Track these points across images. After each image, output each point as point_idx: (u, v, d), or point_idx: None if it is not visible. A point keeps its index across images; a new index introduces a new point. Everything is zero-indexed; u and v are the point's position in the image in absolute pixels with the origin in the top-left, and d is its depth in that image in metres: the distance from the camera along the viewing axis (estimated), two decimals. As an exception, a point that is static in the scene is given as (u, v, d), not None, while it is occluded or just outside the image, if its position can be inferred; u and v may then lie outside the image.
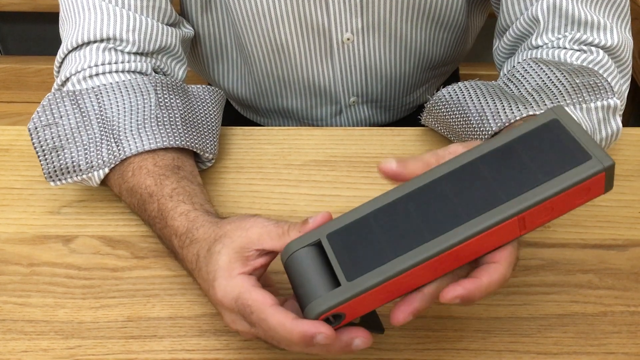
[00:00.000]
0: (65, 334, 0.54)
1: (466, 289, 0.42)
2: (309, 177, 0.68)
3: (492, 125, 0.60)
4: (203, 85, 0.71)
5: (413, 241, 0.43)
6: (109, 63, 0.65)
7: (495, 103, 0.62)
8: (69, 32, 0.67)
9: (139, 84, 0.64)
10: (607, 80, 0.62)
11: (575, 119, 0.59)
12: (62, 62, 0.68)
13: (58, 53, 0.68)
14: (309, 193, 0.66)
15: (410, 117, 0.95)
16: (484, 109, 0.62)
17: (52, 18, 1.62)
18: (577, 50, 0.66)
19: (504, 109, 0.60)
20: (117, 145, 0.60)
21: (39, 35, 1.68)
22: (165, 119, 0.62)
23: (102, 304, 0.56)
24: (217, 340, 0.54)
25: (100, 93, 0.63)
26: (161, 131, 0.61)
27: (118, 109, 0.62)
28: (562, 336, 0.54)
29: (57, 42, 0.69)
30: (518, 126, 0.46)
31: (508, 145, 0.45)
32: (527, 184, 0.42)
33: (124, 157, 0.60)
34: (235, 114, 0.97)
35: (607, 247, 0.61)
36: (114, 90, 0.63)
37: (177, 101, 0.64)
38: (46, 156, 0.61)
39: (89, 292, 0.57)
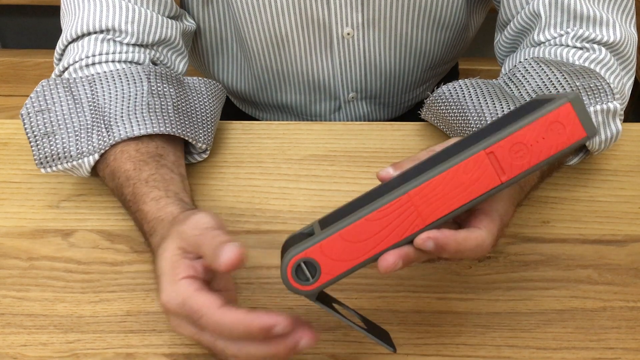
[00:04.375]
0: (65, 328, 0.54)
1: (442, 233, 0.42)
2: (309, 172, 0.68)
3: None
4: (200, 78, 0.70)
5: (385, 191, 0.43)
6: (106, 53, 0.65)
7: (494, 104, 0.62)
8: (69, 23, 0.67)
9: (132, 72, 0.64)
10: (608, 83, 0.62)
11: None
12: (62, 53, 0.68)
13: (58, 44, 0.68)
14: (309, 188, 0.66)
15: (409, 114, 0.95)
16: (482, 109, 0.62)
17: (51, 11, 1.62)
18: (580, 49, 0.65)
19: (503, 110, 0.61)
20: (107, 131, 0.60)
21: (37, 28, 1.68)
22: (157, 106, 0.62)
23: (102, 298, 0.56)
24: (217, 335, 0.54)
25: (94, 81, 0.63)
26: (152, 118, 0.60)
27: (110, 96, 0.62)
28: (561, 331, 0.54)
29: (56, 35, 0.68)
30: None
31: (491, 123, 0.46)
32: (497, 129, 0.43)
33: (114, 143, 0.59)
34: (234, 109, 0.97)
35: (606, 243, 0.61)
36: (107, 79, 0.63)
37: (171, 90, 0.64)
38: (37, 142, 0.60)
39: (88, 286, 0.57)
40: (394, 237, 0.42)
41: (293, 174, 0.67)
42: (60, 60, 0.68)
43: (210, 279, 0.48)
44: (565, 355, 0.52)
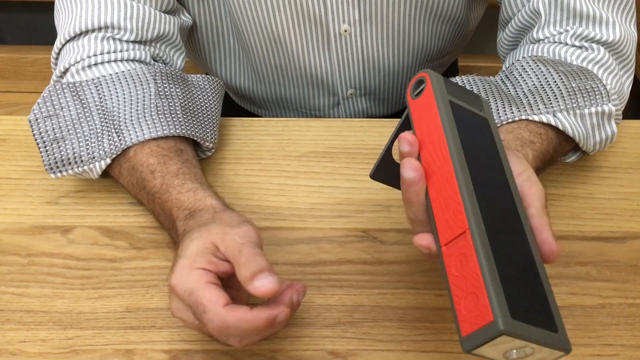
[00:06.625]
0: (64, 324, 0.54)
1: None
2: (308, 169, 0.68)
3: None
4: (202, 75, 0.71)
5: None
6: (108, 52, 0.65)
7: (489, 102, 0.62)
8: (65, 21, 0.66)
9: (138, 74, 0.64)
10: (604, 85, 0.62)
11: (568, 124, 0.60)
12: (59, 53, 0.68)
13: (55, 44, 0.67)
14: (308, 184, 0.66)
15: (408, 110, 0.95)
16: None
17: (49, 7, 1.62)
18: (578, 47, 0.65)
19: (497, 110, 0.61)
20: (118, 136, 0.60)
21: (36, 24, 1.68)
22: (165, 108, 0.62)
23: (101, 294, 0.56)
24: (216, 331, 0.54)
25: (100, 84, 0.63)
26: (161, 120, 0.61)
27: (118, 100, 0.62)
28: (560, 328, 0.54)
29: (54, 31, 0.68)
30: None
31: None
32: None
33: (125, 147, 0.60)
34: (233, 105, 0.97)
35: (605, 240, 0.61)
36: (113, 81, 0.63)
37: (177, 90, 0.64)
38: (47, 148, 0.60)
39: (87, 282, 0.57)
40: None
41: (292, 170, 0.67)
42: (57, 61, 0.68)
43: (225, 279, 0.49)
44: (564, 352, 0.52)
